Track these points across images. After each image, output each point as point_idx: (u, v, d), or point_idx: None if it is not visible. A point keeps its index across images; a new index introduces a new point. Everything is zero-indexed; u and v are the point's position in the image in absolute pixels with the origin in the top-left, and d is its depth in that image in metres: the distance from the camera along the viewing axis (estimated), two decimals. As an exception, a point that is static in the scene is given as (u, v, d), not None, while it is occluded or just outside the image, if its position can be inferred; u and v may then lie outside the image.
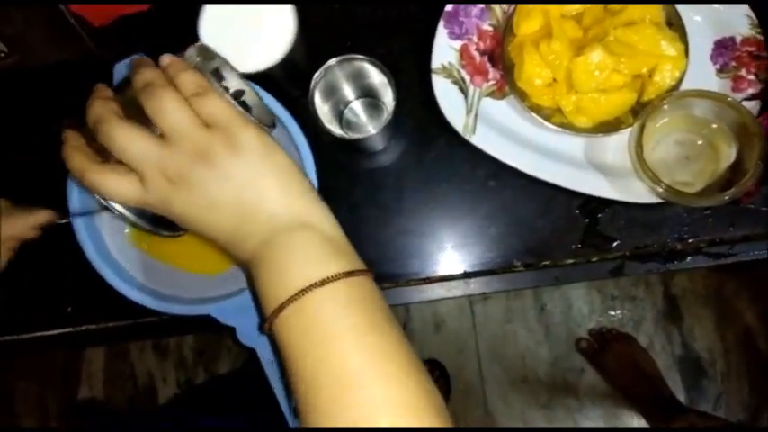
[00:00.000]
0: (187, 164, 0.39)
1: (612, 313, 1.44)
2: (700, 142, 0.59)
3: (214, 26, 0.54)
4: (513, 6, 0.61)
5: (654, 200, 0.58)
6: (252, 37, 0.54)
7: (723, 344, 1.41)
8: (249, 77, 0.55)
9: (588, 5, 0.60)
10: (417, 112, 0.64)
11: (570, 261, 0.62)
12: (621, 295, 1.43)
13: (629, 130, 0.58)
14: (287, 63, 0.56)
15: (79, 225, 0.56)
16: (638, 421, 1.39)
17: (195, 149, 0.39)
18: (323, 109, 0.56)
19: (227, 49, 0.54)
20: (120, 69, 0.54)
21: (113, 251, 0.57)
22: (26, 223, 0.57)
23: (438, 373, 1.42)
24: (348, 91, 0.59)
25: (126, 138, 0.39)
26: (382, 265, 0.64)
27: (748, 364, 1.40)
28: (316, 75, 0.52)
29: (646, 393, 1.32)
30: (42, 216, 0.58)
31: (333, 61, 0.52)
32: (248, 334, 0.55)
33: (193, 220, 0.41)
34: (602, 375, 1.40)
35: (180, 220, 0.41)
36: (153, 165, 0.39)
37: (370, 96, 0.62)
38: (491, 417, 1.44)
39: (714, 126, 0.58)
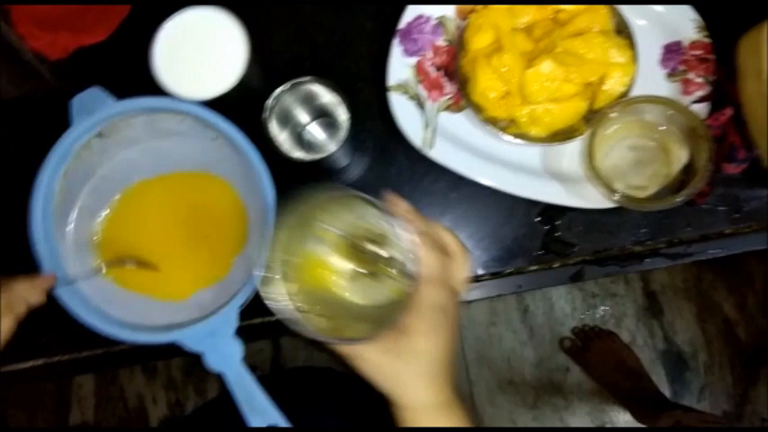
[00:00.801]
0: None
1: (594, 311, 1.45)
2: (652, 146, 0.60)
3: (167, 55, 0.55)
4: (465, 21, 0.62)
5: (609, 205, 0.59)
6: (205, 64, 0.55)
7: (704, 336, 1.42)
8: (206, 104, 0.56)
9: (538, 18, 0.61)
10: (378, 129, 0.65)
11: (534, 268, 0.63)
12: (602, 293, 1.44)
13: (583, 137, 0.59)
14: (243, 88, 0.57)
15: (43, 255, 0.56)
16: (623, 416, 1.40)
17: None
18: (281, 136, 0.56)
19: (181, 78, 0.55)
20: (76, 104, 0.55)
21: (79, 282, 0.58)
22: (27, 287, 0.53)
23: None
24: (303, 114, 0.60)
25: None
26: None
27: (730, 355, 1.41)
28: (268, 103, 0.53)
29: (630, 389, 1.33)
30: (44, 280, 0.55)
31: (282, 88, 0.53)
32: (215, 359, 0.56)
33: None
34: (586, 373, 1.42)
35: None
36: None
37: (325, 116, 0.63)
38: (480, 419, 1.45)
39: (666, 130, 0.59)
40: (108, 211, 0.61)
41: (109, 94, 0.56)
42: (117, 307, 0.58)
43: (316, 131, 0.64)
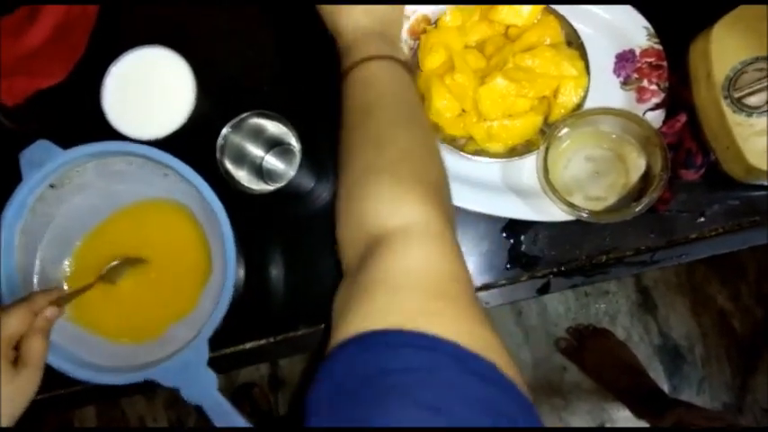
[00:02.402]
0: None
1: (587, 310, 1.45)
2: (609, 156, 0.60)
3: (116, 97, 0.55)
4: (417, 42, 0.62)
5: (570, 217, 0.59)
6: (155, 103, 0.55)
7: (700, 329, 1.41)
8: (162, 142, 0.56)
9: (489, 35, 0.61)
10: (340, 153, 0.65)
11: (501, 282, 0.63)
12: (594, 291, 1.44)
13: (540, 151, 0.59)
14: (196, 123, 0.57)
15: None
16: (623, 413, 1.39)
17: None
18: (239, 173, 0.57)
19: (132, 119, 0.55)
20: (25, 158, 0.56)
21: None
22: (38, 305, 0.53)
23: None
24: (257, 147, 0.61)
25: None
26: (322, 306, 0.65)
27: (727, 346, 1.40)
28: (218, 144, 0.53)
29: (628, 386, 1.33)
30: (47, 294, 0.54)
31: (226, 129, 0.53)
32: (193, 392, 0.56)
33: None
34: (584, 372, 1.41)
35: None
36: None
37: (281, 144, 0.63)
38: (480, 424, 1.45)
39: (621, 139, 0.59)
40: (71, 259, 0.62)
41: (56, 145, 0.56)
42: (90, 352, 0.59)
43: (274, 161, 0.64)
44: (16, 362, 0.49)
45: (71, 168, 0.57)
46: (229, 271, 0.55)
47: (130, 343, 0.60)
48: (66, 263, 0.61)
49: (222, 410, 0.56)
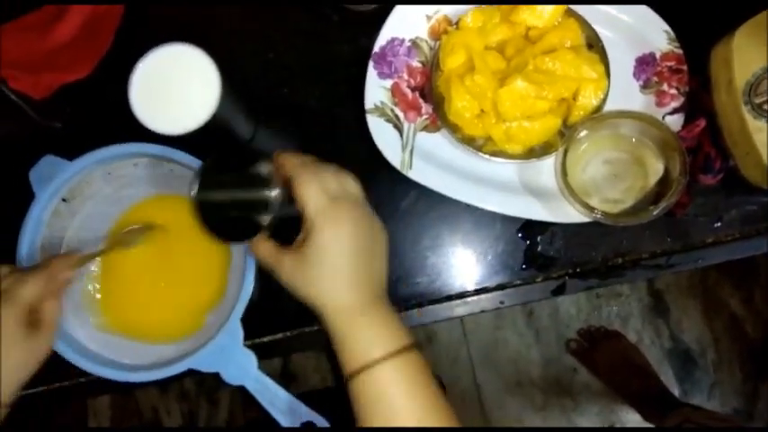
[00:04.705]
0: None
1: (599, 312, 1.45)
2: (628, 159, 0.60)
3: (142, 92, 0.56)
4: (438, 42, 0.63)
5: (587, 219, 0.60)
6: (180, 99, 0.56)
7: (711, 333, 1.41)
8: (182, 139, 0.57)
9: (510, 36, 0.62)
10: (359, 152, 0.66)
11: (516, 282, 0.64)
12: (606, 293, 1.44)
13: (558, 153, 0.59)
14: (221, 120, 0.58)
15: None
16: (632, 417, 1.39)
17: None
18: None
19: (158, 114, 0.56)
20: (34, 175, 0.58)
21: (84, 341, 0.59)
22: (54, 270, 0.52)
23: (433, 385, 1.43)
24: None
25: None
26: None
27: (739, 352, 1.40)
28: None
29: (639, 389, 1.33)
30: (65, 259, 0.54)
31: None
32: (232, 374, 0.57)
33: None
34: (594, 374, 1.41)
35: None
36: None
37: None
38: (489, 423, 1.45)
39: (640, 143, 0.60)
40: (95, 268, 0.63)
41: (62, 159, 0.58)
42: (128, 355, 0.60)
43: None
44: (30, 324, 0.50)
45: (80, 179, 0.59)
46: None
47: (172, 342, 0.61)
48: (90, 270, 0.63)
49: (264, 387, 0.57)
